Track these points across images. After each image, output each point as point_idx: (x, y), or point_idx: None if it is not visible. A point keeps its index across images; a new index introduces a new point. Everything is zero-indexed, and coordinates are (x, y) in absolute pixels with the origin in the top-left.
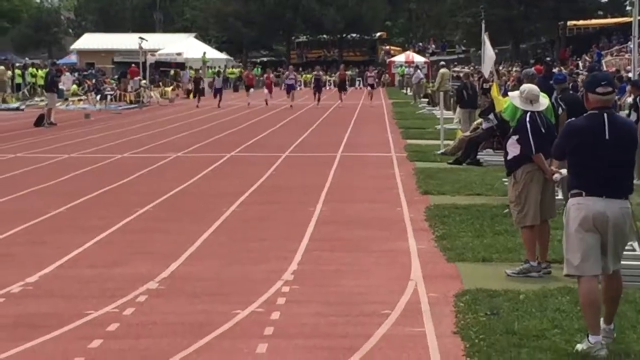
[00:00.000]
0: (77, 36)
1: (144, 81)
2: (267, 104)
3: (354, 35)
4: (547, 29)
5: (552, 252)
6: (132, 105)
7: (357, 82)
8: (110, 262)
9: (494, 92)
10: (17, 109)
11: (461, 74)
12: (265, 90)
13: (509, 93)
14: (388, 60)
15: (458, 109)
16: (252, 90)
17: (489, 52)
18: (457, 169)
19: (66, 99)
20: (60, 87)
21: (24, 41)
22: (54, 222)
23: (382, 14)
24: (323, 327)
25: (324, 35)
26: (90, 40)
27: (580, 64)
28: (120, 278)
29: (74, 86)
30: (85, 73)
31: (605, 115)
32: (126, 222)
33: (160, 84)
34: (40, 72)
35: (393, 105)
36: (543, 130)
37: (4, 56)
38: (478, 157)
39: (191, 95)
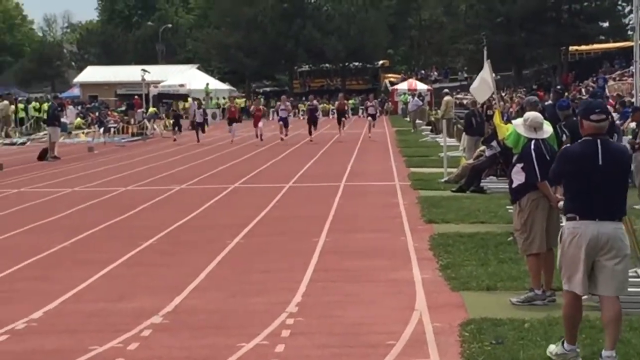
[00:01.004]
0: (80, 69)
1: (152, 109)
2: (261, 138)
3: (356, 63)
4: (549, 54)
5: (557, 280)
6: (136, 138)
7: (360, 111)
8: (114, 296)
9: (497, 119)
10: (22, 144)
11: (464, 101)
12: (260, 124)
13: (513, 121)
14: (391, 88)
15: (464, 137)
16: (234, 124)
17: (487, 79)
18: (460, 197)
19: (69, 133)
20: (64, 120)
21: (27, 75)
22: (57, 257)
23: (384, 42)
24: (328, 359)
25: (327, 65)
26: (93, 73)
27: (583, 90)
28: (124, 312)
29: (78, 119)
30: (88, 106)
31: (599, 141)
32: (130, 256)
33: (164, 115)
34: (44, 106)
35: (396, 133)
36: (548, 158)
37: (7, 90)
38: (481, 184)
39: (168, 129)
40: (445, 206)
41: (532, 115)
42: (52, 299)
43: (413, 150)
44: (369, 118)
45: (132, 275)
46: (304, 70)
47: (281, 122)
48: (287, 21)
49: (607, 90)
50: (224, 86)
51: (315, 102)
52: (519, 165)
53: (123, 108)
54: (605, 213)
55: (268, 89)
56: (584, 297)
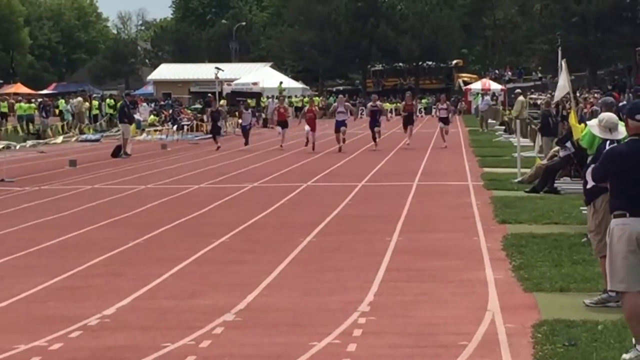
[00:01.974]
0: (154, 67)
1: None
2: (307, 144)
3: (429, 63)
4: (624, 55)
5: None
6: (209, 136)
7: (433, 110)
8: (187, 293)
9: (572, 119)
10: (96, 141)
11: (538, 101)
12: (307, 127)
13: (588, 122)
14: (464, 88)
15: (539, 137)
16: (283, 129)
17: (561, 81)
18: (534, 198)
19: (143, 130)
20: (138, 117)
21: (101, 72)
22: (131, 253)
23: (457, 41)
24: (399, 359)
25: (400, 64)
26: (167, 71)
27: None
28: (197, 310)
29: (152, 117)
30: (162, 103)
31: None
32: (203, 253)
33: (237, 113)
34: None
35: (469, 133)
36: None
37: (82, 87)
38: (555, 185)
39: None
40: (519, 206)
41: (607, 116)
42: (125, 296)
43: (486, 150)
44: (440, 123)
45: (204, 272)
46: (377, 69)
47: (340, 127)
48: (361, 20)
49: None
50: (297, 84)
51: (378, 102)
52: (594, 166)
53: (199, 105)
54: None
55: (341, 88)
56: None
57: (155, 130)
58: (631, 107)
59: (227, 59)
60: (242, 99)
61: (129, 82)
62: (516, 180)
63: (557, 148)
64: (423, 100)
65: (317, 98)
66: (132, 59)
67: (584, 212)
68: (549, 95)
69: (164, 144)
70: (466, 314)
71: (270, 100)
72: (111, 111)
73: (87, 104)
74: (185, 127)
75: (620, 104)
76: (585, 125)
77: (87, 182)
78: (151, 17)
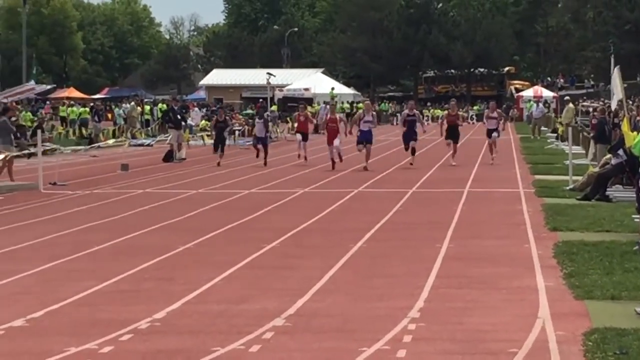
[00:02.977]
0: (206, 72)
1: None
2: (340, 159)
3: (481, 69)
4: None
5: None
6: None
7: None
8: (237, 298)
9: (625, 126)
10: (148, 145)
11: (590, 109)
12: (337, 142)
13: None
14: (516, 95)
15: (593, 144)
16: (304, 141)
17: (615, 89)
18: (585, 205)
19: (194, 135)
20: (190, 122)
21: (153, 77)
22: (181, 257)
23: (509, 48)
24: None
25: (452, 70)
26: (219, 76)
27: None
28: (247, 314)
29: (203, 122)
30: (213, 109)
31: None
32: (253, 258)
33: (288, 119)
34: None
35: (521, 140)
36: None
37: (134, 92)
38: (607, 193)
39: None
40: (570, 214)
41: None
42: (175, 300)
43: (538, 158)
44: (489, 138)
45: (255, 277)
46: (429, 75)
47: (364, 140)
48: (413, 26)
49: None
50: (349, 90)
51: (415, 110)
52: None
53: (250, 111)
54: None
55: (392, 94)
56: None
57: (207, 135)
58: None
59: (279, 65)
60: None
61: (181, 87)
62: (568, 188)
63: (609, 156)
64: (475, 107)
65: (344, 105)
66: (185, 64)
67: (636, 219)
68: (601, 102)
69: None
70: (516, 321)
71: (322, 106)
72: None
73: (139, 108)
74: (237, 132)
75: None
76: (638, 133)
77: (139, 186)
78: (203, 23)
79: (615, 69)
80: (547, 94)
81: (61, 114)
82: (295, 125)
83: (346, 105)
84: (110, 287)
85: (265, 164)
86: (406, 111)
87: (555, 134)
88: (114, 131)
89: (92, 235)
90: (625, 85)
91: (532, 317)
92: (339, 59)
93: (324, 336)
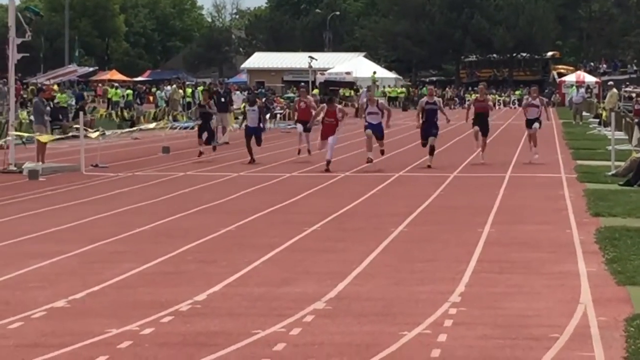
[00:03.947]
0: (248, 55)
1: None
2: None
3: (524, 54)
4: None
5: None
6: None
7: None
8: (278, 281)
9: None
10: (190, 127)
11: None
12: (331, 140)
13: None
14: (558, 80)
15: (637, 130)
16: (305, 131)
17: None
18: (628, 191)
19: (236, 118)
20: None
21: (195, 60)
22: (222, 240)
23: (552, 33)
24: (490, 350)
25: (494, 55)
26: (261, 59)
27: None
28: (287, 297)
29: (244, 104)
30: (255, 92)
31: None
32: (294, 241)
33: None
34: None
35: (563, 126)
36: None
37: (176, 75)
38: None
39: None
40: (612, 200)
41: None
42: (216, 282)
43: (580, 143)
44: (529, 129)
45: (295, 260)
46: (471, 60)
47: (375, 131)
48: (456, 10)
49: None
50: (391, 74)
51: (435, 98)
52: None
53: (292, 95)
54: None
55: (434, 78)
56: None
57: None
58: None
59: (321, 48)
60: (335, 88)
61: (223, 70)
62: (610, 174)
63: None
64: (517, 92)
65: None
66: (226, 47)
67: None
68: None
69: None
70: (558, 306)
71: (363, 90)
72: None
73: (180, 91)
74: (278, 116)
75: None
76: None
77: (180, 169)
78: (245, 6)
79: None
80: (589, 79)
81: (109, 96)
82: (296, 114)
83: (388, 89)
84: (151, 269)
85: (252, 161)
86: (425, 98)
87: (598, 120)
88: (155, 114)
89: (134, 218)
90: None
91: (574, 303)
92: (381, 42)
93: (364, 320)
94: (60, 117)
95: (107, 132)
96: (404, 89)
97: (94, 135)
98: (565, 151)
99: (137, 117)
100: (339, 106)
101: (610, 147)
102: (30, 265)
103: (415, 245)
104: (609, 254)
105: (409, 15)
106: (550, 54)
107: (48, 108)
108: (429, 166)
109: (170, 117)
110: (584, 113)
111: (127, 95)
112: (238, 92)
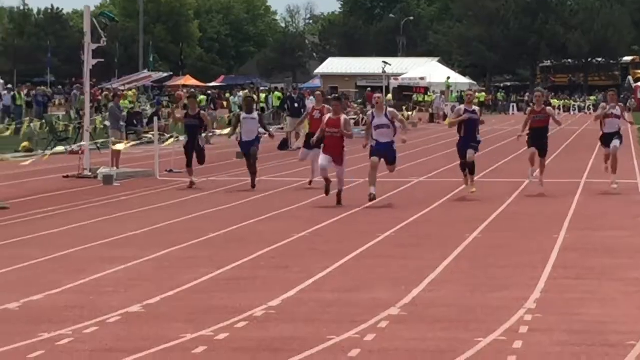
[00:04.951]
0: (321, 60)
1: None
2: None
3: (599, 59)
4: None
5: None
6: None
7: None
8: (351, 287)
9: None
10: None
11: None
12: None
13: None
14: (634, 85)
15: None
16: (312, 149)
17: None
18: None
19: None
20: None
21: (269, 65)
22: (296, 246)
23: (628, 37)
24: (566, 357)
25: (569, 60)
26: (334, 65)
27: None
28: (361, 303)
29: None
30: (328, 97)
31: None
32: (368, 247)
33: (404, 108)
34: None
35: (639, 131)
36: None
37: (250, 80)
38: None
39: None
40: None
41: None
42: (290, 287)
43: None
44: (606, 147)
45: (369, 266)
46: (545, 65)
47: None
48: (530, 15)
49: None
50: (465, 80)
51: (475, 107)
52: None
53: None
54: None
55: (508, 84)
56: None
57: None
58: None
59: (394, 54)
60: (409, 93)
61: (297, 75)
62: None
63: None
64: (592, 97)
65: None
66: (300, 52)
67: None
68: None
69: None
70: (635, 313)
71: (437, 95)
72: (278, 104)
73: (254, 96)
74: (352, 121)
75: None
76: None
77: None
78: (319, 11)
79: None
80: None
81: (184, 102)
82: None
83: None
84: (225, 275)
85: (253, 186)
86: (464, 105)
87: None
88: (229, 119)
89: (207, 223)
90: None
91: None
92: (455, 48)
93: (439, 326)
94: (135, 122)
95: (181, 138)
96: (483, 93)
97: (168, 142)
98: None
99: (211, 122)
100: (344, 116)
101: None
102: (105, 270)
103: (489, 252)
104: None
105: (484, 20)
106: (629, 58)
107: (124, 114)
108: (472, 192)
109: None
110: None
111: (201, 100)
112: (311, 97)
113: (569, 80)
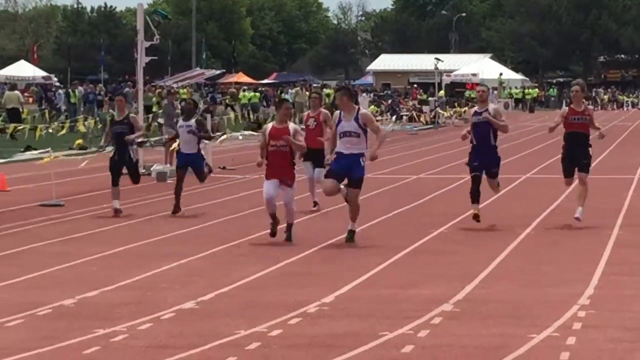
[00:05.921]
0: (374, 57)
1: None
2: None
3: None
4: None
5: None
6: (428, 126)
7: None
8: (405, 283)
9: None
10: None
11: None
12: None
13: None
14: None
15: None
16: (315, 167)
17: None
18: None
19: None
20: None
21: (321, 62)
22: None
23: None
24: (620, 354)
25: (622, 55)
26: (386, 61)
27: None
28: (414, 299)
29: (372, 107)
30: (381, 94)
31: None
32: (421, 243)
33: (456, 104)
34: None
35: None
36: None
37: (302, 77)
38: None
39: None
40: None
41: None
42: (343, 284)
43: None
44: None
45: (422, 262)
46: (598, 60)
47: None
48: (583, 11)
49: None
50: (517, 76)
51: (491, 106)
52: None
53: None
54: None
55: (561, 80)
56: None
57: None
58: None
59: (446, 50)
60: (461, 89)
61: (349, 72)
62: None
63: None
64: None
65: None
66: (352, 49)
67: None
68: None
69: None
70: None
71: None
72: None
73: (306, 93)
74: (404, 118)
75: None
76: None
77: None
78: (371, 8)
79: None
80: None
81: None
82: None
83: (515, 91)
84: (278, 271)
85: (176, 209)
86: (475, 107)
87: None
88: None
89: (260, 219)
90: None
91: None
92: (507, 44)
93: (492, 322)
94: None
95: (232, 134)
96: (536, 89)
97: (220, 140)
98: None
99: (263, 120)
100: (293, 124)
101: None
102: (161, 267)
103: (543, 248)
104: None
105: (536, 16)
106: None
107: (177, 111)
108: (475, 215)
109: (297, 119)
110: None
111: (252, 97)
112: (364, 94)
113: (621, 76)
